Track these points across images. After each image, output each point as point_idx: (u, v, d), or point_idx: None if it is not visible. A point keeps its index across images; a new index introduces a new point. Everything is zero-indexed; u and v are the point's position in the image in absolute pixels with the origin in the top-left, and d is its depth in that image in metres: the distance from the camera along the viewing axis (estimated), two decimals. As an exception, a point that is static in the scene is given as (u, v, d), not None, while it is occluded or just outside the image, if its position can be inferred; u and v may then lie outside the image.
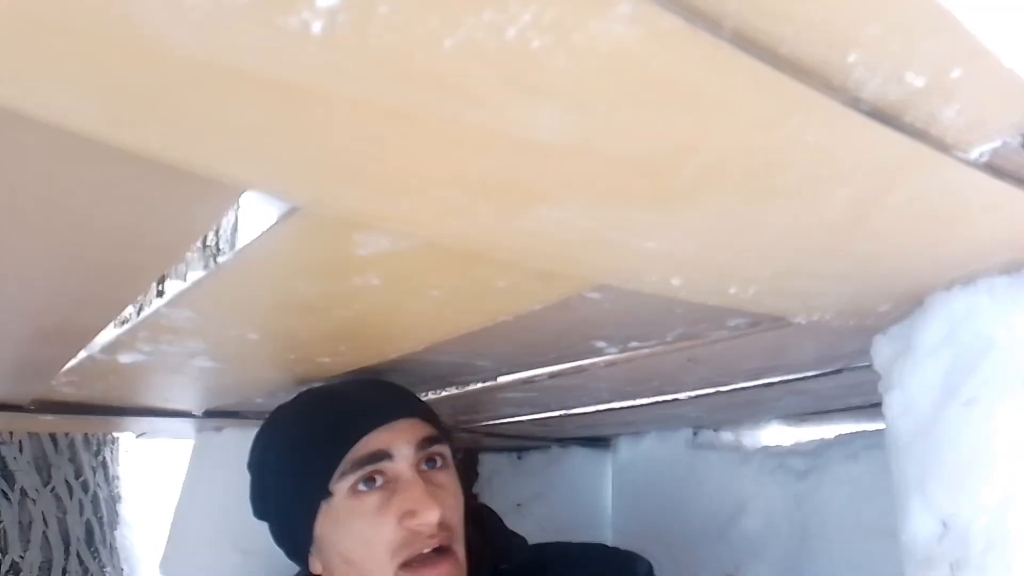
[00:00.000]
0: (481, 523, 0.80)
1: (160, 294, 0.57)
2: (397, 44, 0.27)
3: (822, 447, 1.24)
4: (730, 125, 0.32)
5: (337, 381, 0.80)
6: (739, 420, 1.36)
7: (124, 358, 0.73)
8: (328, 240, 0.45)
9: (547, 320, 0.62)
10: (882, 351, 0.63)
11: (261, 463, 0.77)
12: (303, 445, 0.73)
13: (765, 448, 1.34)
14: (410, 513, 0.68)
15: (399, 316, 0.59)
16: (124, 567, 1.36)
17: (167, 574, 1.24)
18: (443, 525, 0.69)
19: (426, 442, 0.72)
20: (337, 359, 0.74)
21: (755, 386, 0.96)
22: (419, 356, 0.75)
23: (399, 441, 0.70)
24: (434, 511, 0.67)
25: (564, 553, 0.81)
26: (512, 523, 0.89)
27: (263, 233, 0.43)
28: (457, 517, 0.72)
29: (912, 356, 0.55)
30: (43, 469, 1.24)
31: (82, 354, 0.73)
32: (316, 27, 0.26)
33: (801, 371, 0.90)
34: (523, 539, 0.84)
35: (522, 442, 1.54)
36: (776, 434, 1.40)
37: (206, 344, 0.66)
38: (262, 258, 0.48)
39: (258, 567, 0.94)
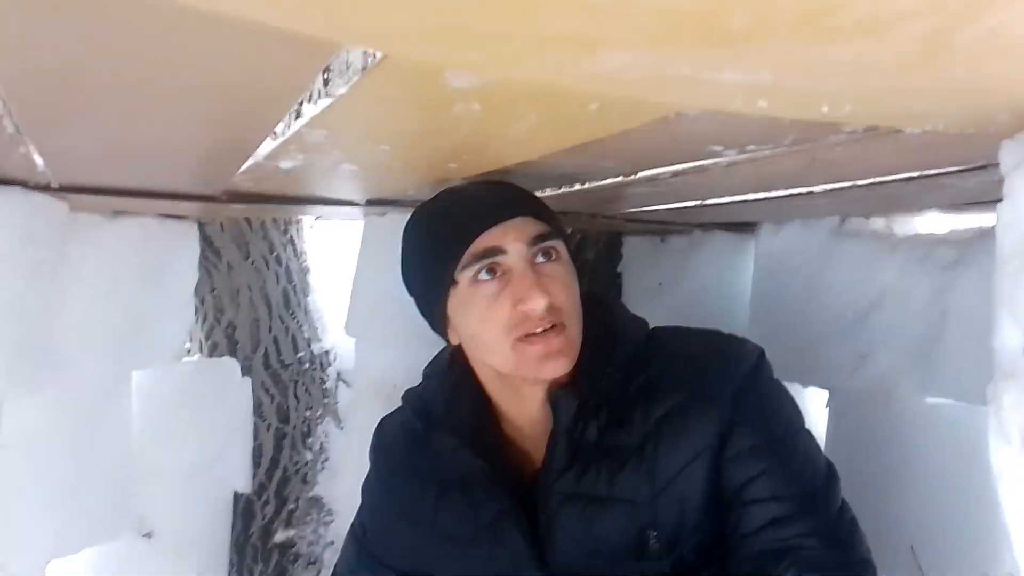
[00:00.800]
0: (601, 308, 0.88)
1: (299, 115, 0.64)
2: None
3: (975, 237, 1.18)
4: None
5: (469, 183, 0.87)
6: (889, 208, 1.31)
7: (284, 164, 0.83)
8: (422, 77, 0.49)
9: (652, 132, 0.64)
10: (1007, 157, 0.61)
11: (403, 253, 0.89)
12: (432, 241, 0.83)
13: (915, 236, 1.29)
14: (521, 300, 0.77)
15: (503, 136, 0.63)
16: (317, 326, 1.61)
17: (351, 333, 1.46)
18: (552, 309, 0.77)
19: (538, 238, 0.79)
20: (463, 164, 0.80)
21: (893, 180, 0.93)
22: (543, 160, 0.79)
23: (511, 238, 0.78)
24: (541, 299, 0.76)
25: (677, 338, 0.88)
26: (650, 304, 0.95)
27: (363, 72, 0.48)
28: (569, 302, 0.80)
29: None
30: (242, 246, 1.45)
31: (250, 160, 0.84)
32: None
33: (942, 167, 0.86)
34: (644, 322, 0.91)
35: (663, 227, 1.56)
36: (932, 222, 1.34)
37: (346, 155, 0.74)
38: (367, 89, 0.53)
39: (425, 328, 1.08)
